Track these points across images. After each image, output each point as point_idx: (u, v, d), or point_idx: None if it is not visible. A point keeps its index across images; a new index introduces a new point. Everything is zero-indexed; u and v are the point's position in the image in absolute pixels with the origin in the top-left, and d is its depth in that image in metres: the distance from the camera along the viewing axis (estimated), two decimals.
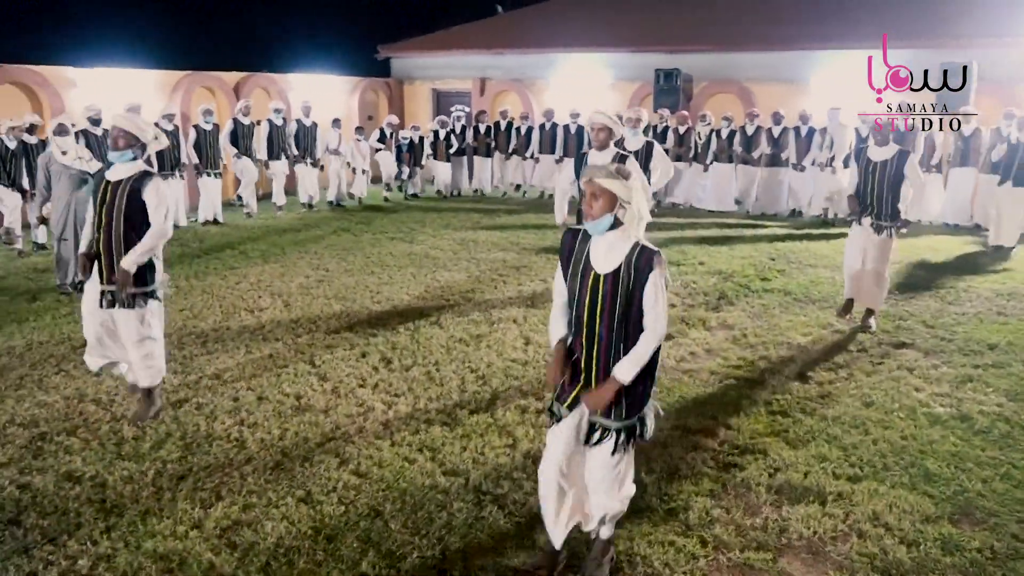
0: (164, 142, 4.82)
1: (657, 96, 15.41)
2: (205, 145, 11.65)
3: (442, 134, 15.19)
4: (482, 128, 15.51)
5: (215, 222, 12.05)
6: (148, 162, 4.79)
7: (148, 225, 4.67)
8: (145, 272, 4.74)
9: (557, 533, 3.36)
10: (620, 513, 3.40)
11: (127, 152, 4.61)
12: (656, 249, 3.07)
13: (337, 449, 4.58)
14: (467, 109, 16.22)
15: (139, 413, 4.96)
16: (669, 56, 15.92)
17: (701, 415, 5.10)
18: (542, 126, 15.15)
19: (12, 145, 9.43)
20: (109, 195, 4.63)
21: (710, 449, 4.63)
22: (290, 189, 13.61)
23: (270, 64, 17.68)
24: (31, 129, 9.62)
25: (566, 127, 14.72)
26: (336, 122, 13.94)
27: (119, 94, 11.68)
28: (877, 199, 6.78)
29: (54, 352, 6.19)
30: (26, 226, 10.01)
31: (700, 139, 13.81)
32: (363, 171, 14.47)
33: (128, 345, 4.84)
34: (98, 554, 3.53)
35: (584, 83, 16.85)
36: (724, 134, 13.53)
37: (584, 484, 3.33)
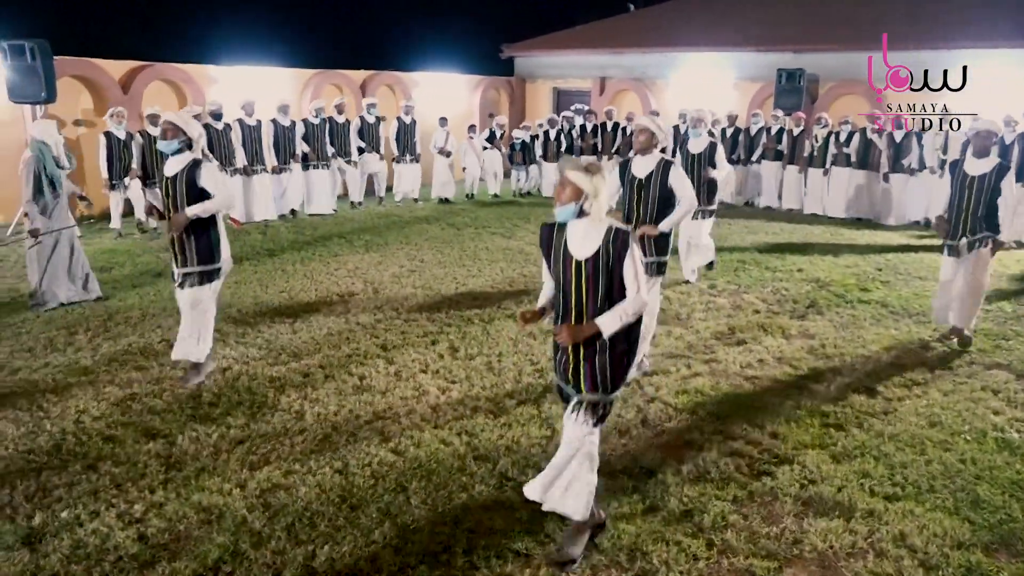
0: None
1: (778, 96, 14.88)
2: (313, 139, 12.34)
3: (552, 134, 15.33)
4: (588, 127, 15.52)
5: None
6: (200, 152, 5.33)
7: None
8: (212, 251, 5.27)
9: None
10: (581, 476, 3.46)
11: (173, 142, 5.16)
12: (627, 229, 3.32)
13: (383, 428, 4.87)
14: (584, 108, 16.24)
15: (188, 376, 5.55)
16: (794, 56, 15.37)
17: (748, 422, 5.02)
18: None
19: (122, 135, 10.37)
20: (170, 189, 5.19)
21: (747, 456, 4.56)
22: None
23: (396, 63, 18.43)
24: (153, 119, 10.47)
25: (675, 127, 14.36)
26: (443, 120, 14.21)
27: (255, 91, 12.63)
28: (972, 215, 6.34)
29: (162, 323, 6.85)
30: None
31: (816, 142, 13.25)
32: (461, 167, 14.84)
33: (186, 321, 5.41)
34: (152, 501, 3.97)
35: (705, 83, 16.52)
36: (842, 137, 12.92)
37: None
